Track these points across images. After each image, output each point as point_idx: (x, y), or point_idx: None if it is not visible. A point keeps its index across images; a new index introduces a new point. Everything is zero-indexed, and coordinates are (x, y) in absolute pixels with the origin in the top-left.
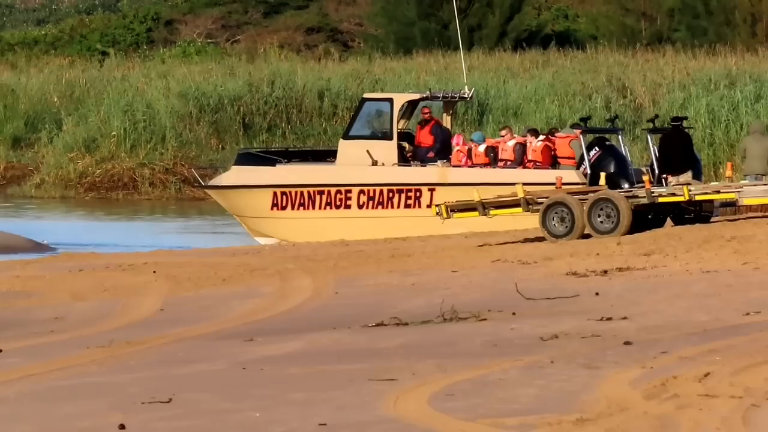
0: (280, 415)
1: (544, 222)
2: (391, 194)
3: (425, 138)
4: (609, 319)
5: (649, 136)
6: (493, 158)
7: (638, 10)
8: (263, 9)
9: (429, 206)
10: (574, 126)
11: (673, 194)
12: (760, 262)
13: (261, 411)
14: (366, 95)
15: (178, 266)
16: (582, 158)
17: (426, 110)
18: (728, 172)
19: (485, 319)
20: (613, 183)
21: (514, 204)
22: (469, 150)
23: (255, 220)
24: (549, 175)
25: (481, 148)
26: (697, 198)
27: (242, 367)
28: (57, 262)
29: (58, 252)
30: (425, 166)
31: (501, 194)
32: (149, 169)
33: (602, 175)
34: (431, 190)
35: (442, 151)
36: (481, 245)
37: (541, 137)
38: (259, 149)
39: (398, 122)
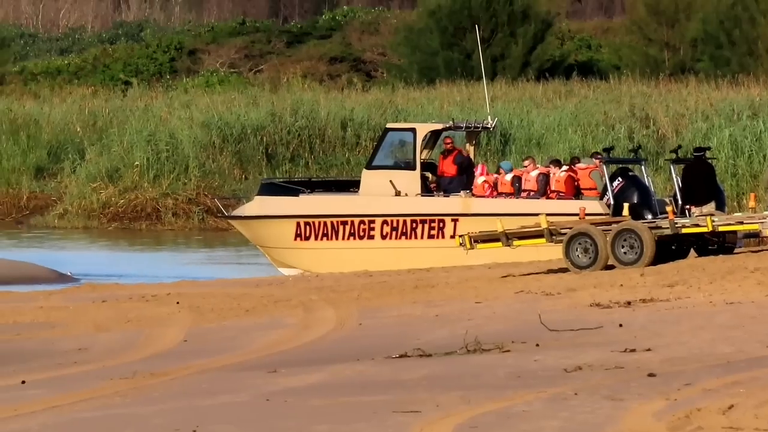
0: None
1: (567, 253)
2: (414, 225)
3: (448, 168)
4: (633, 350)
5: (672, 167)
6: (518, 188)
7: (661, 41)
8: (286, 38)
9: (452, 237)
10: (594, 155)
11: (697, 225)
12: None
13: None
14: (389, 125)
15: (201, 297)
16: (605, 188)
17: (448, 140)
18: (751, 203)
19: (509, 351)
20: (636, 214)
21: (538, 235)
22: (495, 179)
23: (278, 251)
24: (572, 205)
25: (508, 176)
26: (721, 229)
27: (266, 398)
28: (80, 293)
29: (81, 283)
30: (448, 196)
31: (524, 225)
32: (172, 199)
33: (625, 205)
34: (455, 221)
35: (465, 181)
36: (505, 276)
37: (564, 168)
38: (282, 179)
39: (421, 152)
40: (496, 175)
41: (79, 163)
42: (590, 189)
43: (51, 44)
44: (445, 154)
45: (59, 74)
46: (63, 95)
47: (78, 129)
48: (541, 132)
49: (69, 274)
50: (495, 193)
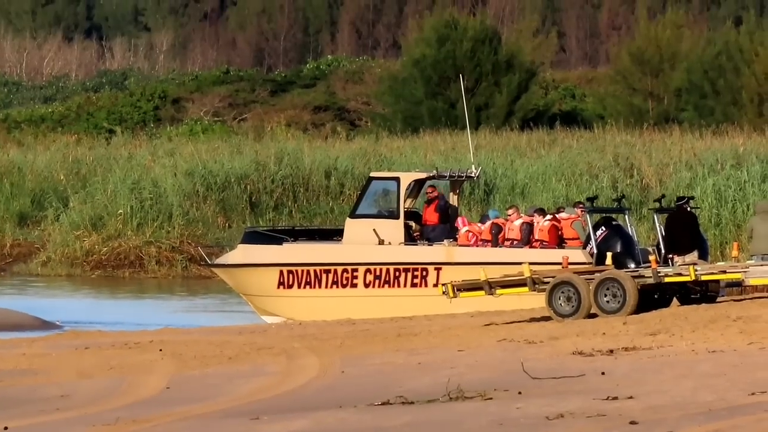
0: None
1: (550, 301)
2: (397, 273)
3: (430, 216)
4: (615, 398)
5: (655, 216)
6: (494, 235)
7: (645, 90)
8: (270, 87)
9: (435, 285)
10: (576, 205)
11: (679, 274)
12: (766, 342)
13: None
14: (373, 174)
15: (184, 344)
16: (588, 237)
17: (430, 189)
18: (734, 252)
19: (491, 398)
20: (619, 263)
21: (521, 283)
22: (479, 229)
23: (261, 299)
24: (555, 254)
25: (486, 224)
26: (703, 278)
27: None
28: (63, 340)
29: (64, 330)
30: (432, 245)
31: (507, 273)
32: (156, 247)
33: (609, 254)
34: (438, 269)
35: (449, 229)
36: (488, 324)
37: (548, 217)
38: (265, 228)
39: (405, 201)
40: (480, 225)
41: (62, 211)
42: (572, 239)
43: (35, 92)
44: (428, 203)
45: (43, 122)
46: (47, 143)
47: (61, 177)
48: (525, 181)
49: (57, 322)
50: (478, 242)
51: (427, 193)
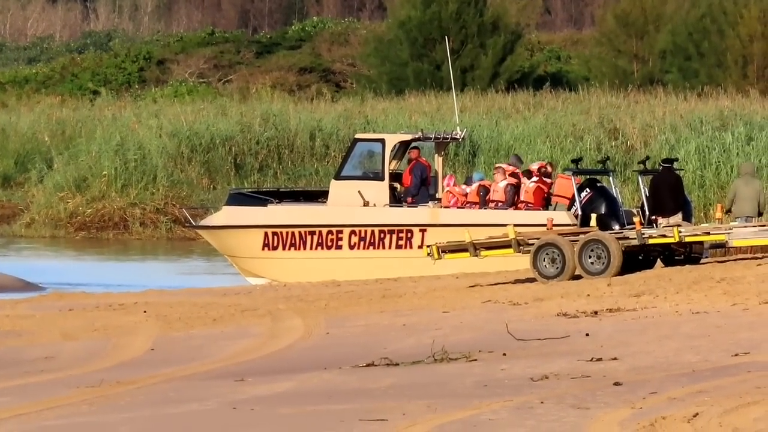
0: None
1: (535, 263)
2: (382, 235)
3: (406, 178)
4: (599, 359)
5: (639, 178)
6: (482, 197)
7: (630, 52)
8: (255, 49)
9: (420, 247)
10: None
11: (664, 236)
12: (749, 303)
13: None
14: (358, 135)
15: (168, 306)
16: (573, 199)
17: (414, 153)
18: (718, 214)
19: (476, 360)
20: (603, 224)
21: (505, 245)
22: (463, 190)
23: (246, 261)
24: (540, 216)
25: (474, 186)
26: (687, 239)
27: (233, 407)
28: (47, 302)
29: (48, 291)
30: (416, 206)
31: (492, 235)
32: (140, 208)
33: (593, 216)
34: (422, 231)
35: (421, 191)
36: (472, 286)
37: (534, 179)
38: (250, 189)
39: (390, 163)
40: (464, 187)
41: (46, 173)
42: (562, 197)
43: (19, 53)
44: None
45: (27, 83)
46: (31, 104)
47: (46, 138)
48: (510, 143)
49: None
50: (463, 203)
51: (410, 155)
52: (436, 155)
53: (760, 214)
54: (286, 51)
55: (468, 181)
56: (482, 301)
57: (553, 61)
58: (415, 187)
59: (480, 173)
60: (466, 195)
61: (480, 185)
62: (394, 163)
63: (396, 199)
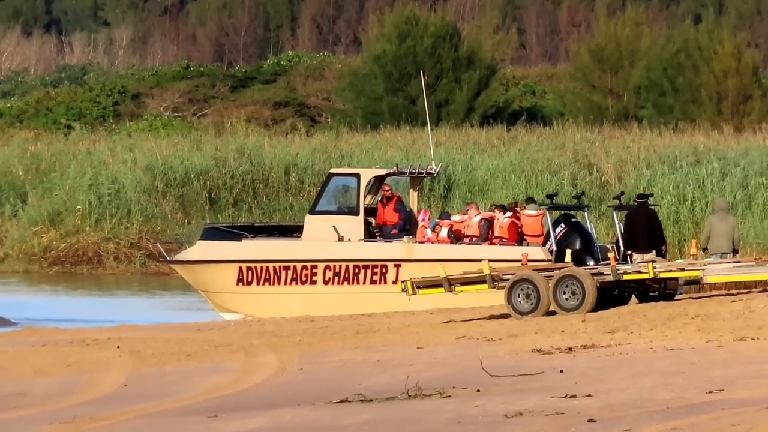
0: None
1: (509, 299)
2: (357, 270)
3: (390, 215)
4: (573, 396)
5: (614, 213)
6: (454, 239)
7: (605, 87)
8: (230, 83)
9: (395, 282)
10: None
11: (638, 272)
12: (723, 340)
13: None
14: (333, 170)
15: (142, 341)
16: (548, 234)
17: (387, 187)
18: (693, 250)
19: (450, 396)
20: (578, 260)
21: (480, 281)
22: (435, 227)
23: (220, 296)
24: (515, 251)
25: (443, 232)
26: (662, 275)
27: None
28: (20, 337)
29: (20, 327)
30: (391, 242)
31: (467, 270)
32: (114, 243)
33: (568, 251)
34: (397, 266)
35: (407, 228)
36: (447, 322)
37: (508, 214)
38: (225, 224)
39: (365, 197)
40: (429, 232)
41: (20, 207)
42: (534, 236)
43: None
44: (385, 201)
45: (1, 117)
46: (5, 138)
47: (20, 172)
48: (485, 178)
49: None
50: (435, 238)
51: (383, 191)
52: (411, 190)
53: (735, 251)
54: (261, 85)
55: (442, 216)
56: (456, 337)
57: (528, 95)
58: (405, 221)
59: (435, 220)
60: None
61: (450, 228)
62: (369, 197)
63: (371, 234)
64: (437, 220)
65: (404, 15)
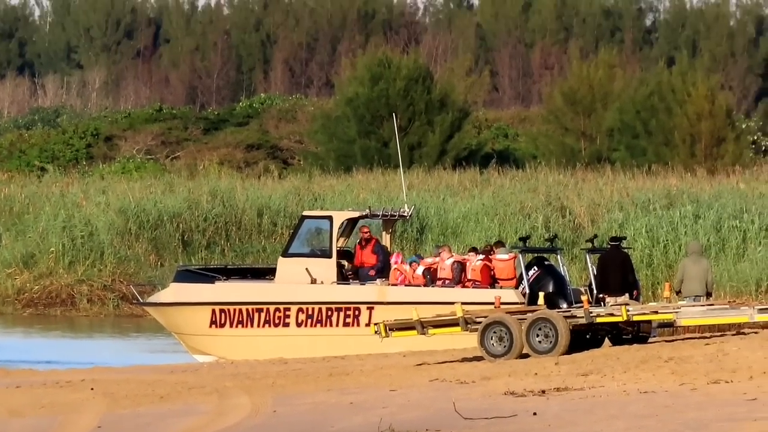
0: None
1: (482, 341)
2: (330, 312)
3: (368, 258)
4: None
5: (587, 256)
6: (429, 280)
7: (578, 130)
8: (203, 125)
9: (368, 325)
10: (497, 244)
11: (611, 314)
12: (697, 383)
13: None
14: (305, 213)
15: (116, 383)
16: (521, 277)
17: (366, 229)
18: (666, 293)
19: None
20: (551, 303)
21: (453, 323)
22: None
23: (193, 338)
24: (488, 294)
25: (419, 270)
26: (635, 318)
27: None
28: None
29: None
30: (364, 284)
31: (440, 313)
32: (88, 285)
33: (541, 294)
34: (370, 309)
35: (384, 270)
36: (420, 364)
37: (480, 257)
38: (197, 266)
39: (338, 240)
40: (407, 266)
41: None
42: (506, 279)
43: None
44: (363, 243)
45: None
46: None
47: None
48: (458, 220)
49: None
50: (407, 281)
51: (362, 233)
52: (383, 233)
53: (709, 294)
54: (233, 127)
55: (413, 260)
56: (430, 380)
57: (500, 138)
58: (383, 263)
59: (414, 256)
60: (430, 266)
61: (425, 269)
62: (341, 240)
63: (344, 277)
64: (416, 257)
65: (377, 57)
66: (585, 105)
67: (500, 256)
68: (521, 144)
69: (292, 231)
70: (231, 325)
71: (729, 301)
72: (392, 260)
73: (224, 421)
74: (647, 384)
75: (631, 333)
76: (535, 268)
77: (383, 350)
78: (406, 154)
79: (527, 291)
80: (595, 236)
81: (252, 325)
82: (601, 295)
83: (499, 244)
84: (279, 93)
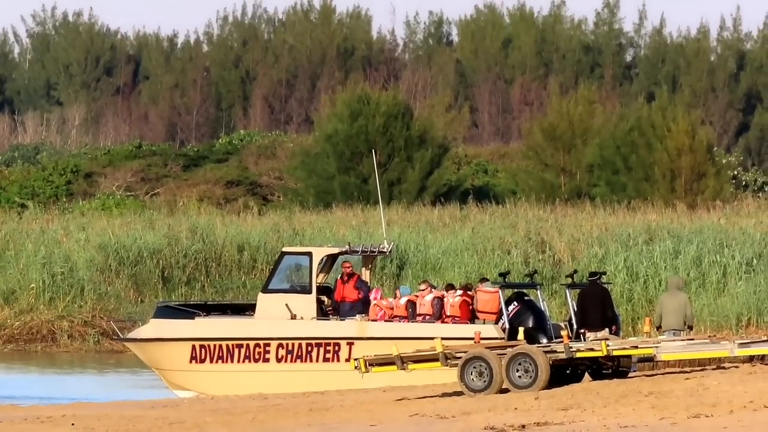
0: None
1: (462, 376)
2: (309, 348)
3: (350, 293)
4: None
5: (567, 291)
6: (411, 313)
7: (558, 166)
8: (183, 162)
9: (348, 360)
10: (482, 281)
11: (591, 349)
12: (677, 417)
13: None
14: (285, 249)
15: (96, 419)
16: (500, 312)
17: (348, 264)
18: (646, 328)
19: None
20: (531, 338)
21: (433, 358)
22: (391, 304)
23: (174, 373)
24: (467, 329)
25: (403, 301)
26: (615, 353)
27: None
28: None
29: None
30: (344, 320)
31: (420, 348)
32: (68, 321)
33: (521, 329)
34: (350, 344)
35: (366, 306)
36: (400, 399)
37: (459, 292)
38: (177, 302)
39: (317, 276)
40: (391, 300)
41: None
42: (487, 313)
43: None
44: (345, 278)
45: None
46: None
47: None
48: (438, 256)
49: None
50: (389, 314)
51: (344, 269)
52: (363, 268)
53: (690, 327)
54: (213, 164)
55: (394, 296)
56: (410, 415)
57: (480, 174)
58: (365, 299)
59: (407, 288)
60: (392, 308)
61: (408, 300)
62: (321, 276)
63: (323, 313)
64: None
65: (356, 94)
66: (565, 141)
67: (486, 287)
68: (501, 180)
69: (271, 267)
70: (211, 361)
71: (709, 336)
72: (372, 296)
73: None
74: (627, 418)
75: (611, 368)
76: (515, 303)
77: (363, 385)
78: (386, 190)
79: (507, 326)
80: (575, 271)
81: (232, 361)
82: (581, 330)
83: (484, 280)
84: (258, 129)
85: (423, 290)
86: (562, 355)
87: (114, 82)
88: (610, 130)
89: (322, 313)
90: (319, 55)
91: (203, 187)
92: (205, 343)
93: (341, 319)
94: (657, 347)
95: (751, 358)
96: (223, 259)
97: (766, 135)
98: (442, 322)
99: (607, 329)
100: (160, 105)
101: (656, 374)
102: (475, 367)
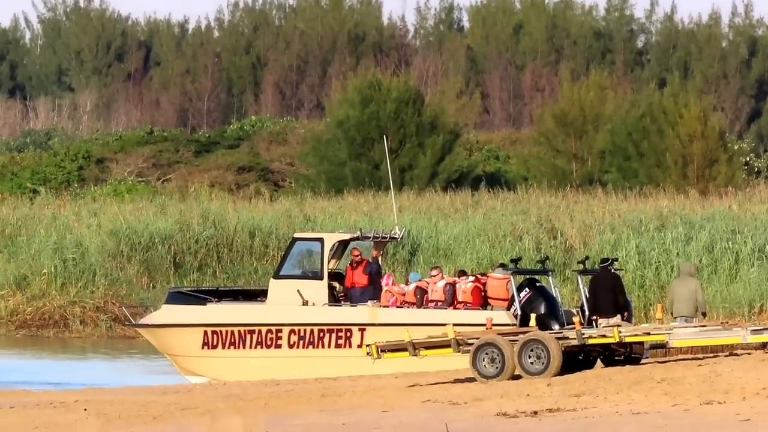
0: None
1: (474, 363)
2: (321, 334)
3: (359, 278)
4: None
5: (579, 278)
6: (420, 300)
7: (569, 152)
8: (194, 148)
9: (360, 346)
10: (500, 267)
11: (603, 336)
12: (689, 404)
13: None
14: (297, 235)
15: (108, 404)
16: (512, 299)
17: (356, 252)
18: (658, 314)
19: None
20: (543, 324)
21: (445, 345)
22: (401, 291)
23: (186, 359)
24: (479, 315)
25: (411, 287)
26: (627, 340)
27: None
28: None
29: None
30: (356, 306)
31: (431, 335)
32: (80, 307)
33: (533, 316)
34: (362, 330)
35: (377, 291)
36: (412, 385)
37: (471, 278)
38: (189, 288)
39: (329, 262)
40: (403, 286)
41: None
42: (499, 299)
43: None
44: (354, 265)
45: None
46: None
47: None
48: (449, 242)
49: None
50: (399, 300)
51: (352, 255)
52: (374, 254)
53: (703, 314)
54: (224, 150)
55: (406, 282)
56: (422, 401)
57: (491, 160)
58: (374, 284)
59: (417, 274)
60: (404, 294)
61: (417, 287)
62: (333, 262)
63: (335, 298)
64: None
65: (367, 80)
66: (576, 127)
67: (495, 274)
68: (512, 166)
69: (283, 253)
70: (223, 347)
71: (722, 322)
72: (383, 282)
73: None
74: (640, 405)
75: (624, 354)
76: (527, 289)
77: (375, 371)
78: (397, 176)
79: (519, 312)
80: (587, 258)
81: (244, 347)
82: (593, 317)
83: (502, 266)
84: (270, 115)
85: (434, 276)
86: (575, 342)
87: (125, 68)
88: (622, 117)
89: (334, 299)
90: (330, 41)
91: (215, 172)
92: (217, 328)
93: (353, 305)
94: (669, 334)
95: (763, 345)
96: (235, 245)
97: None
98: (454, 308)
99: (618, 315)
100: (172, 91)
101: (669, 361)
102: (487, 354)
